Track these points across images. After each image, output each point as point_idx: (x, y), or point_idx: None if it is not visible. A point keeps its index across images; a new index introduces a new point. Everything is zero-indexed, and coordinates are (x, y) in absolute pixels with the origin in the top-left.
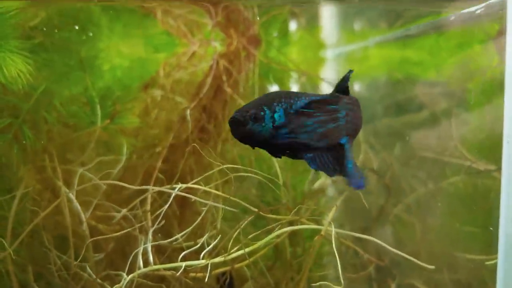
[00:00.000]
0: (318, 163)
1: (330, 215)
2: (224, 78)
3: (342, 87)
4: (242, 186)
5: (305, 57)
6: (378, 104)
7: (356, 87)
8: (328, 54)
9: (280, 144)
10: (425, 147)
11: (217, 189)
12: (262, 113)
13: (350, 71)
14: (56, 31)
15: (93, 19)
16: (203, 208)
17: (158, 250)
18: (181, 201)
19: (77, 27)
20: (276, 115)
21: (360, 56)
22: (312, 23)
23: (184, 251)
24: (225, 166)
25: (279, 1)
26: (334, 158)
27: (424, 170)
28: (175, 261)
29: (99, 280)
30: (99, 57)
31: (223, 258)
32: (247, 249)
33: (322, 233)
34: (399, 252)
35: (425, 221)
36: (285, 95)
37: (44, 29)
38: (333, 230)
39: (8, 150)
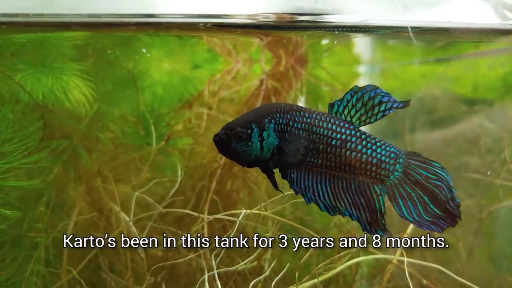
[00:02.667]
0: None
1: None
2: (273, 97)
3: None
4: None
5: (340, 72)
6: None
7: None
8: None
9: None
10: (467, 166)
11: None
12: (249, 131)
13: None
14: (109, 51)
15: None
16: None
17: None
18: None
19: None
20: (265, 133)
21: (396, 71)
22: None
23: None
24: (285, 193)
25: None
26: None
27: (468, 191)
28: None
29: None
30: (148, 76)
31: (295, 287)
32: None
33: (394, 261)
34: (461, 279)
35: (470, 242)
36: (280, 109)
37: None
38: (405, 259)
39: (63, 172)
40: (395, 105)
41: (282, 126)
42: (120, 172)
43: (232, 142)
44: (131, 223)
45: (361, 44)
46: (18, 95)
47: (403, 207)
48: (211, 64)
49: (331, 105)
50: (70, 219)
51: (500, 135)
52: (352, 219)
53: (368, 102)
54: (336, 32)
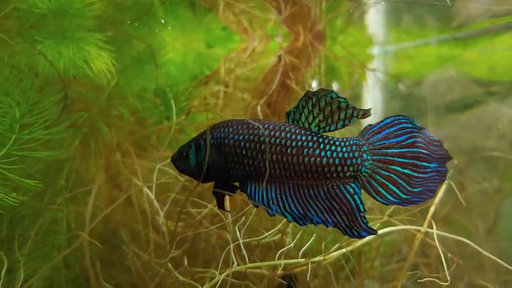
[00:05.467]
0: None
1: (429, 213)
2: (291, 74)
3: None
4: None
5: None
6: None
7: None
8: (378, 50)
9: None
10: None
11: None
12: (187, 149)
13: None
14: (128, 22)
15: (154, 12)
16: None
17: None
18: None
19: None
20: (198, 149)
21: (411, 53)
22: (363, 20)
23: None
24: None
25: None
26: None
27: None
28: (256, 258)
29: (180, 277)
30: (164, 51)
31: (323, 256)
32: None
33: (422, 230)
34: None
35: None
36: (224, 124)
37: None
38: (435, 231)
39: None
40: (355, 114)
41: (220, 140)
42: (139, 147)
43: (177, 160)
44: (153, 196)
45: (375, 25)
46: (37, 68)
47: (386, 194)
48: (229, 43)
49: (287, 114)
50: (90, 193)
51: None
52: (328, 226)
53: (326, 108)
54: None
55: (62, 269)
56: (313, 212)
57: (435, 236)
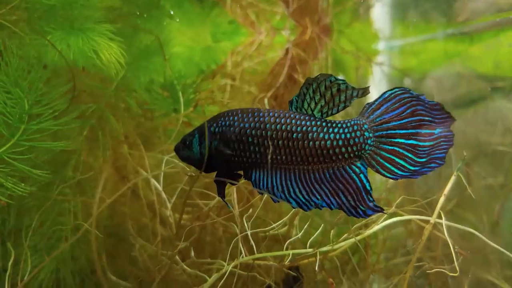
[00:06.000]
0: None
1: (439, 204)
2: (298, 67)
3: None
4: None
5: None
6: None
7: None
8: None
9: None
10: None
11: None
12: (191, 137)
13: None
14: (137, 13)
15: (162, 4)
16: None
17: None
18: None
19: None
20: (203, 137)
21: (417, 48)
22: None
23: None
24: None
25: None
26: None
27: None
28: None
29: (187, 268)
30: (172, 43)
31: (331, 246)
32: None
33: (432, 221)
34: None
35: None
36: (227, 113)
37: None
38: (444, 221)
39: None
40: (354, 94)
41: (224, 127)
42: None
43: (180, 149)
44: (161, 188)
45: (380, 20)
46: (46, 59)
47: (393, 168)
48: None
49: (290, 102)
50: (98, 184)
51: None
52: (332, 208)
53: (326, 92)
54: None
55: (69, 261)
56: (318, 196)
57: (443, 226)
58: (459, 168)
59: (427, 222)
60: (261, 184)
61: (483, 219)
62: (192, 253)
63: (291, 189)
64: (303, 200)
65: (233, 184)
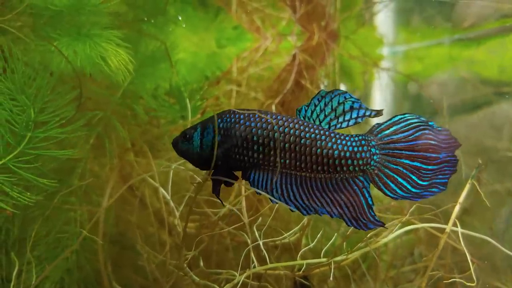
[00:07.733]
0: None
1: (454, 212)
2: (305, 73)
3: None
4: None
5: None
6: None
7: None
8: (388, 51)
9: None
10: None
11: None
12: (192, 131)
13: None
14: (145, 19)
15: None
16: None
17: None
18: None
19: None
20: (205, 132)
21: (421, 54)
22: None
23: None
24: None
25: None
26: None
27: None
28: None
29: (196, 278)
30: (177, 50)
31: (346, 255)
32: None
33: (447, 230)
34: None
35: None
36: (234, 111)
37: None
38: (460, 229)
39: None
40: (367, 113)
41: (229, 124)
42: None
43: (178, 142)
44: (169, 197)
45: (385, 25)
46: (52, 66)
47: (395, 188)
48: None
49: (299, 110)
50: (104, 193)
51: None
52: (332, 217)
53: (338, 107)
54: None
55: (74, 271)
56: (318, 203)
57: (460, 235)
58: (473, 176)
59: (437, 229)
60: (259, 184)
61: (491, 225)
62: (201, 263)
63: (290, 193)
64: (303, 205)
65: (228, 185)
